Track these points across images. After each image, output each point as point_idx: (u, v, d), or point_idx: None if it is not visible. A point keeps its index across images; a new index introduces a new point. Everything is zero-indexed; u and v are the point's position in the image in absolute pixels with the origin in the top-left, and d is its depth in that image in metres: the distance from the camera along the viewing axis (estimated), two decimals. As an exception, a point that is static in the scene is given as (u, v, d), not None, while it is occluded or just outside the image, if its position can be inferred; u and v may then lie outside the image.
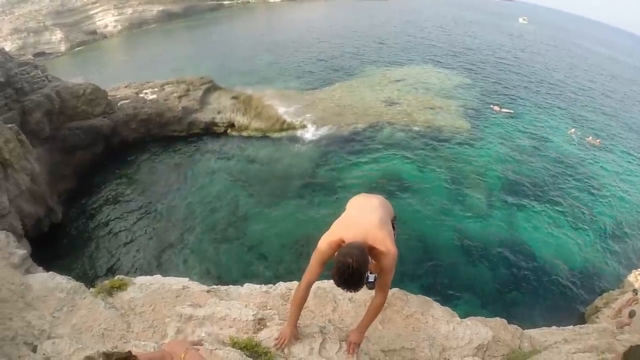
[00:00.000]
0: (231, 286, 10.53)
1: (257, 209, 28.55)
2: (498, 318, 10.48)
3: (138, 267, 23.74)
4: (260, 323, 7.81)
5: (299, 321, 7.43)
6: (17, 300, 12.49)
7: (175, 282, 11.18)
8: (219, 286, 10.63)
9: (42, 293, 12.40)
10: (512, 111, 46.51)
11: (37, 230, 24.50)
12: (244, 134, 38.03)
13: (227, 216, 27.95)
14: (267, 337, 7.45)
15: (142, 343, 9.41)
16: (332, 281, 10.84)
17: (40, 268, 15.73)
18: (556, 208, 30.28)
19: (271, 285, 10.37)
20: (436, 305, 9.37)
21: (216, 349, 6.76)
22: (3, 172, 21.79)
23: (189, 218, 27.80)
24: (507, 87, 55.49)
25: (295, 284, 10.58)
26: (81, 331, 10.64)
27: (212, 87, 41.26)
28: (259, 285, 10.31)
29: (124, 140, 35.39)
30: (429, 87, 52.18)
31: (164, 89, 39.14)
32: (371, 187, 30.40)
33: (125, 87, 39.78)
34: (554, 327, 11.90)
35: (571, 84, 63.01)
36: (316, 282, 10.68)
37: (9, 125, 23.41)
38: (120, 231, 26.70)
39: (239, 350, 6.88)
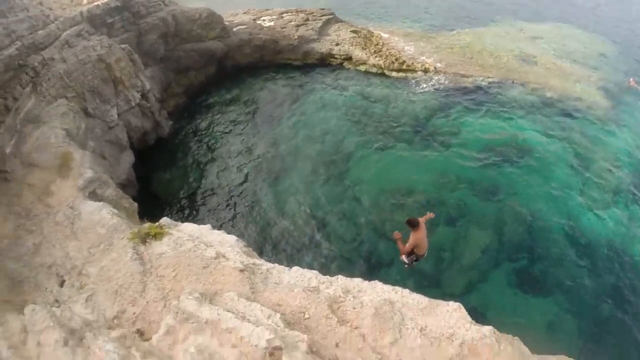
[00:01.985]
0: (276, 266, 8.05)
1: (362, 148, 27.03)
2: None
3: (221, 198, 23.08)
4: (273, 355, 5.18)
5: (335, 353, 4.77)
6: (66, 227, 11.62)
7: (218, 242, 9.09)
8: (262, 262, 8.11)
9: (87, 224, 11.38)
10: (634, 85, 38.79)
11: (144, 143, 25.37)
12: (361, 68, 35.57)
13: (330, 151, 26.77)
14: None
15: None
16: (404, 293, 8.17)
17: (110, 189, 14.56)
18: None
19: (326, 279, 7.69)
20: None
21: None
22: (114, 88, 22.54)
23: (290, 146, 26.92)
24: None
25: (358, 282, 7.91)
26: (103, 279, 9.12)
27: (332, 19, 37.90)
28: (310, 275, 7.67)
29: (237, 64, 34.22)
30: (570, 51, 44.94)
31: (282, 17, 36.47)
32: (488, 146, 26.97)
33: (244, 13, 38.17)
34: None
35: None
36: (384, 290, 7.97)
37: (122, 45, 23.78)
38: (219, 153, 26.38)
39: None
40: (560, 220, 22.67)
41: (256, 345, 5.34)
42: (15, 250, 10.86)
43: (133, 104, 23.27)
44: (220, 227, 17.05)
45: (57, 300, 9.23)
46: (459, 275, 18.06)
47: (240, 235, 17.25)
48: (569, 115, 32.29)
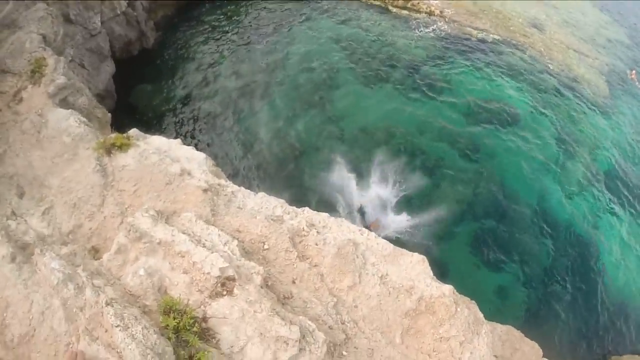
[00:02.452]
0: (242, 190, 7.70)
1: (352, 83, 26.43)
2: (536, 345, 9.36)
3: (201, 114, 22.55)
4: (225, 286, 5.04)
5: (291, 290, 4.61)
6: (32, 135, 10.98)
7: (185, 158, 8.65)
8: (227, 184, 7.76)
9: (53, 133, 10.75)
10: (635, 81, 38.26)
11: (127, 53, 24.37)
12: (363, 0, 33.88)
13: (318, 80, 26.13)
14: (222, 314, 4.53)
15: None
16: (370, 236, 7.81)
17: (83, 97, 13.91)
18: None
19: (292, 209, 7.37)
20: (484, 334, 6.67)
21: (118, 325, 3.97)
22: None
23: (279, 70, 26.07)
24: None
25: (324, 217, 7.62)
26: (63, 191, 8.74)
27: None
28: (275, 203, 7.34)
29: (234, -22, 32.74)
30: (582, 27, 43.28)
31: None
32: (477, 104, 26.66)
33: None
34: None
35: None
36: (350, 229, 7.69)
37: None
38: (203, 69, 25.55)
39: (154, 335, 4.04)
40: (531, 194, 22.93)
41: (208, 273, 5.11)
42: (-24, 159, 10.32)
43: (118, 12, 22.02)
44: (195, 145, 16.70)
45: (14, 213, 8.84)
46: (427, 226, 18.16)
47: (214, 156, 16.97)
48: (563, 92, 31.79)
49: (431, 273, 7.33)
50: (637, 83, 38.60)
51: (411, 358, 6.35)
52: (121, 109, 18.95)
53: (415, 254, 7.50)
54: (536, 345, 8.61)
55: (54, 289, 5.06)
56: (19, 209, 8.99)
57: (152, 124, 19.55)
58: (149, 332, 4.40)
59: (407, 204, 18.70)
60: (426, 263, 7.41)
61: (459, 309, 6.68)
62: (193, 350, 4.52)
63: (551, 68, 33.40)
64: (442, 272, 16.59)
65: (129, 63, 23.00)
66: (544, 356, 8.96)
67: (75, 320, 4.78)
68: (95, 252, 6.78)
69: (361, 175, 19.32)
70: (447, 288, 6.99)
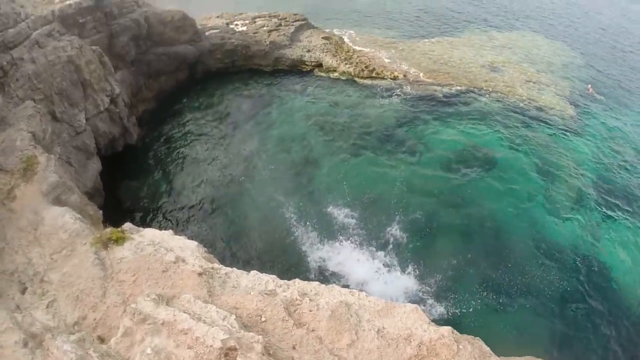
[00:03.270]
0: (234, 270, 8.19)
1: (330, 157, 27.10)
2: None
3: (189, 205, 22.81)
4: (228, 356, 5.37)
5: (292, 356, 5.01)
6: (29, 232, 11.52)
7: (178, 247, 9.15)
8: (220, 267, 8.24)
9: (50, 230, 11.31)
10: (602, 98, 40.75)
11: (111, 149, 24.77)
12: (331, 75, 34.85)
13: (298, 160, 26.74)
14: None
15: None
16: (360, 295, 8.39)
17: (75, 195, 14.46)
18: None
19: (284, 282, 7.86)
20: None
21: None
22: (83, 92, 21.88)
23: (260, 156, 26.76)
24: (622, 78, 48.23)
25: (315, 285, 8.12)
26: (64, 285, 9.14)
27: (304, 25, 37.74)
28: (267, 279, 7.83)
29: (208, 69, 33.97)
30: (536, 60, 46.22)
31: (255, 22, 36.00)
32: (455, 156, 27.60)
33: (217, 17, 37.64)
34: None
35: None
36: (341, 293, 8.20)
37: (93, 47, 23.20)
38: (186, 161, 26.05)
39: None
40: (525, 227, 23.38)
41: (211, 346, 5.50)
42: (-23, 257, 10.67)
43: (102, 109, 22.82)
44: (188, 235, 17.11)
45: (18, 307, 9.15)
46: (429, 284, 18.54)
47: (206, 243, 17.30)
48: (533, 124, 33.32)
49: (427, 319, 7.74)
50: (595, 95, 40.64)
51: None
52: (110, 205, 19.37)
53: (408, 304, 7.97)
54: None
55: (67, 372, 5.37)
56: (23, 304, 9.31)
57: (142, 218, 20.17)
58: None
59: (408, 263, 19.15)
60: (420, 310, 7.84)
61: (461, 346, 7.04)
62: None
63: (516, 104, 35.23)
64: (456, 323, 16.85)
65: (114, 159, 23.65)
66: None
67: (89, 401, 5.10)
68: (101, 341, 7.08)
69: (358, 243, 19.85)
70: (446, 329, 7.39)
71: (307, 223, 20.77)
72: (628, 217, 25.73)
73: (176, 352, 5.56)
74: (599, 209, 25.79)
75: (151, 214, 20.62)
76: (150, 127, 27.89)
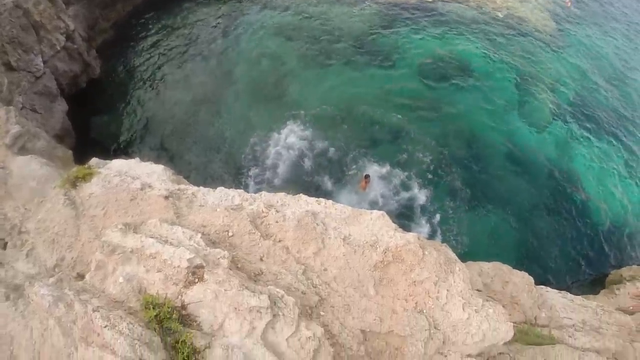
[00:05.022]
0: (201, 189, 8.31)
1: (302, 69, 26.74)
2: (526, 274, 9.49)
3: (162, 132, 22.41)
4: (195, 274, 5.70)
5: (260, 267, 5.25)
6: (1, 187, 11.57)
7: (145, 174, 9.22)
8: (187, 187, 8.37)
9: (18, 181, 11.24)
10: (577, 10, 39.62)
11: (75, 87, 24.18)
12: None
13: (269, 74, 25.81)
14: (197, 299, 5.17)
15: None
16: (327, 204, 8.54)
17: (41, 141, 14.27)
18: (622, 151, 25.79)
19: (250, 196, 8.01)
20: (458, 271, 7.15)
21: (106, 326, 4.60)
22: (35, 35, 20.68)
23: (230, 75, 26.28)
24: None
25: (281, 196, 8.28)
26: (40, 231, 9.27)
27: None
28: (233, 194, 7.98)
29: (163, -13, 32.63)
30: None
31: None
32: (430, 65, 27.22)
33: None
34: (577, 298, 10.35)
35: None
36: (307, 202, 8.36)
37: None
38: (154, 87, 25.35)
39: (140, 328, 4.66)
40: (499, 138, 23.85)
41: (179, 266, 5.71)
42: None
43: (58, 48, 21.76)
44: (159, 160, 17.26)
45: (1, 263, 9.37)
46: (401, 191, 18.96)
47: (177, 165, 17.45)
48: (513, 35, 32.57)
49: (394, 225, 7.92)
50: (572, 8, 39.62)
51: (388, 305, 6.91)
52: (83, 144, 19.22)
53: (375, 211, 8.14)
54: (526, 275, 9.25)
55: (47, 311, 5.63)
56: (5, 259, 9.48)
57: (115, 151, 20.02)
58: (134, 326, 5.04)
59: (380, 166, 19.62)
60: (386, 217, 8.01)
61: (426, 252, 7.23)
62: (177, 335, 5.16)
63: (495, 14, 34.11)
64: (432, 230, 17.90)
65: (80, 97, 23.04)
66: (542, 284, 9.62)
67: (71, 333, 5.38)
68: (82, 278, 7.34)
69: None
70: (411, 235, 7.56)
71: (276, 140, 20.93)
72: (598, 136, 26.14)
73: (147, 277, 5.79)
74: (573, 125, 26.08)
75: (123, 145, 20.58)
76: (112, 58, 26.72)
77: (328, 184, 18.79)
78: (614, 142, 26.08)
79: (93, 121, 21.83)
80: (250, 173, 19.14)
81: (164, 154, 19.95)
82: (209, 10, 31.01)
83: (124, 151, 20.05)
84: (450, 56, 28.39)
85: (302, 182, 18.57)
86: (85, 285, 6.20)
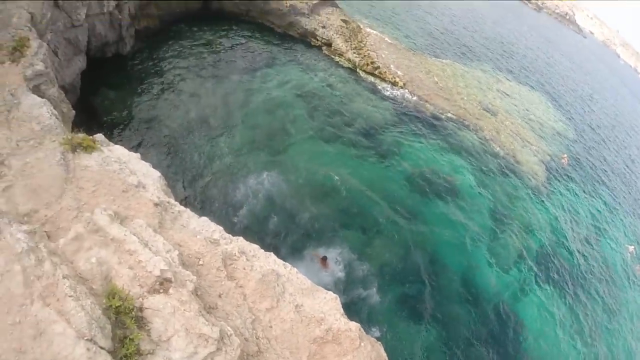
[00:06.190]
0: (187, 211, 8.79)
1: (307, 133, 27.06)
2: None
3: (158, 134, 21.85)
4: (162, 285, 6.02)
5: (216, 302, 5.79)
6: (2, 112, 11.65)
7: (142, 173, 9.63)
8: (176, 203, 8.82)
9: (23, 116, 11.46)
10: (568, 169, 43.01)
11: (101, 53, 23.93)
12: (336, 59, 35.31)
13: (276, 125, 26.38)
14: (156, 307, 5.57)
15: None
16: (292, 270, 9.09)
17: (54, 89, 14.52)
18: (575, 310, 27.43)
19: (228, 236, 8.56)
20: None
21: (71, 296, 4.96)
22: None
23: (242, 108, 26.65)
24: (604, 164, 50.55)
25: (255, 247, 8.84)
26: (24, 175, 9.44)
27: (328, 1, 38.52)
28: (214, 228, 8.48)
29: (222, 9, 33.36)
30: (531, 118, 47.72)
31: (282, -18, 36.56)
32: (423, 174, 28.33)
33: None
34: None
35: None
36: (275, 262, 8.96)
37: None
38: (170, 89, 25.06)
39: (99, 311, 5.06)
40: (461, 263, 24.48)
41: (150, 272, 6.11)
42: None
43: (105, 10, 22.41)
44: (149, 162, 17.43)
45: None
46: (350, 281, 19.25)
47: (165, 176, 17.63)
48: (506, 173, 34.55)
49: (342, 310, 8.65)
50: (567, 165, 42.38)
51: None
52: (81, 107, 19.29)
53: (330, 292, 8.83)
54: None
55: (16, 256, 5.87)
56: (-24, 180, 9.54)
57: (108, 130, 19.98)
58: (95, 307, 5.39)
59: (342, 257, 19.92)
60: (338, 301, 8.73)
61: (362, 344, 7.93)
62: (128, 332, 5.52)
63: (497, 151, 36.51)
64: (369, 323, 18.05)
65: (100, 64, 23.27)
66: None
67: (32, 286, 5.63)
68: (47, 238, 7.57)
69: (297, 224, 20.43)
70: (354, 324, 8.27)
71: (260, 192, 21.14)
72: (555, 290, 27.39)
73: (117, 268, 6.14)
74: (533, 273, 27.28)
75: (118, 130, 20.63)
76: (146, 45, 27.48)
77: (286, 249, 19.01)
78: (569, 300, 27.05)
79: (100, 91, 22.01)
80: (218, 206, 19.37)
81: (152, 154, 20.09)
82: (250, 46, 32.37)
83: (112, 132, 20.14)
84: (442, 173, 29.76)
85: (263, 236, 18.86)
86: (56, 249, 6.51)
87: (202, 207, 18.84)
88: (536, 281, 27.00)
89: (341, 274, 19.04)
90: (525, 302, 25.44)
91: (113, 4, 22.70)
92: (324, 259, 18.57)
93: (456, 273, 23.93)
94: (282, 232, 19.73)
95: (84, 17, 20.47)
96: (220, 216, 18.50)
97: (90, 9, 21.11)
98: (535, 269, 27.60)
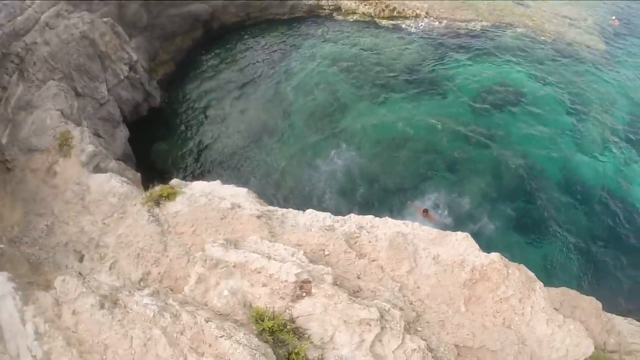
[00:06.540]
0: (291, 210, 8.36)
1: (356, 99, 26.26)
2: (594, 299, 9.26)
3: (221, 159, 22.30)
4: (303, 288, 5.55)
5: (358, 284, 5.16)
6: (77, 203, 11.77)
7: (230, 195, 9.29)
8: (275, 208, 8.39)
9: (98, 196, 11.54)
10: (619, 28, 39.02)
11: (136, 115, 24.67)
12: (350, 18, 34.21)
13: (324, 105, 26.37)
14: (307, 312, 5.04)
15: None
16: (414, 225, 8.42)
17: (113, 162, 14.71)
18: None
19: (339, 218, 7.94)
20: (539, 289, 7.16)
21: (222, 336, 4.50)
22: (101, 64, 21.79)
23: (285, 105, 26.53)
24: None
25: (370, 218, 8.22)
26: (122, 246, 9.40)
27: (320, -32, 37.20)
28: (324, 215, 7.98)
29: (224, 24, 33.23)
30: None
31: (265, -29, 35.51)
32: (483, 94, 26.57)
33: (226, -29, 37.04)
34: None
35: None
36: (395, 224, 8.31)
37: (104, 19, 23.05)
38: (211, 117, 25.47)
39: (255, 339, 4.57)
40: (555, 165, 23.11)
41: (286, 280, 5.64)
42: (28, 235, 10.94)
43: (122, 77, 22.78)
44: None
45: (80, 274, 9.47)
46: (458, 221, 18.59)
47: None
48: (563, 58, 32.08)
49: (477, 246, 7.96)
50: (619, 26, 38.69)
51: (478, 321, 6.91)
52: (143, 170, 19.66)
53: (459, 232, 8.14)
54: (594, 300, 8.95)
55: (151, 321, 5.57)
56: (84, 270, 9.64)
57: (176, 176, 20.31)
58: (250, 337, 4.93)
59: (440, 201, 19.36)
60: (470, 238, 8.03)
61: (510, 271, 7.24)
62: (290, 347, 5.03)
63: (544, 39, 33.79)
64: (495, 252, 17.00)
65: (141, 124, 23.84)
66: (605, 309, 9.32)
67: (178, 343, 5.29)
68: (171, 291, 7.32)
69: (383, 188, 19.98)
70: (495, 255, 7.63)
71: (337, 171, 20.91)
72: None
73: (252, 291, 5.72)
74: (631, 148, 25.10)
75: (185, 173, 20.92)
76: (172, 89, 27.86)
77: (385, 213, 18.55)
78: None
79: (153, 148, 22.41)
80: (303, 198, 19.12)
81: (224, 176, 20.27)
82: (264, 44, 31.95)
83: (184, 176, 20.33)
84: (502, 84, 28.06)
85: (357, 208, 18.45)
86: (186, 298, 6.16)
87: (287, 204, 18.68)
88: (635, 157, 24.78)
89: (448, 220, 18.38)
90: (631, 181, 23.47)
91: (126, 68, 23.09)
92: (425, 211, 17.89)
93: (553, 175, 22.67)
94: (373, 199, 19.32)
95: (106, 92, 21.07)
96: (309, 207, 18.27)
97: (109, 82, 21.67)
98: (628, 144, 25.23)
